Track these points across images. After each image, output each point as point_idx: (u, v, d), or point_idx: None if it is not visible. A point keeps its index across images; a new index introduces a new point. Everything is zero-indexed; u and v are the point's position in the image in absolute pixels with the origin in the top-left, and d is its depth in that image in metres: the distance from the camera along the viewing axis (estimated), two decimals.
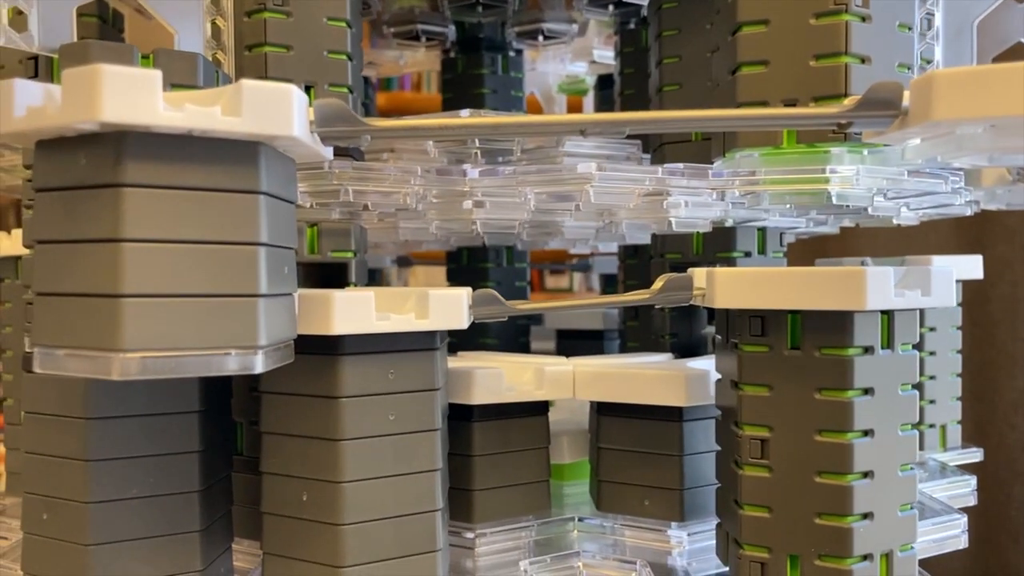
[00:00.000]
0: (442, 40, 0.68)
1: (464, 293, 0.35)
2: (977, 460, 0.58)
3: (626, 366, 0.44)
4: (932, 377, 0.57)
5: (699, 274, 0.38)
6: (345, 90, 0.40)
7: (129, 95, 0.25)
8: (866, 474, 0.34)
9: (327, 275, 0.44)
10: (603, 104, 0.79)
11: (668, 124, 0.29)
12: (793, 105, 0.36)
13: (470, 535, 0.41)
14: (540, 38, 0.67)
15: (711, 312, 0.55)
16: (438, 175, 0.36)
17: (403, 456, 0.35)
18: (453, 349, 0.50)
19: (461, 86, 0.69)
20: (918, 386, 0.36)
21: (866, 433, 0.34)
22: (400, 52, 0.70)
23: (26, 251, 0.54)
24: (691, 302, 0.38)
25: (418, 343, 0.35)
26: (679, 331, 0.53)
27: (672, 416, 0.42)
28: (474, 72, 0.69)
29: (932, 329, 0.57)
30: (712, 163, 0.40)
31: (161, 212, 0.26)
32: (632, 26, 0.61)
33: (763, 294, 0.34)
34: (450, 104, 0.69)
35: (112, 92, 0.25)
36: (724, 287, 0.35)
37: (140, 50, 0.36)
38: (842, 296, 0.33)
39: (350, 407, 0.34)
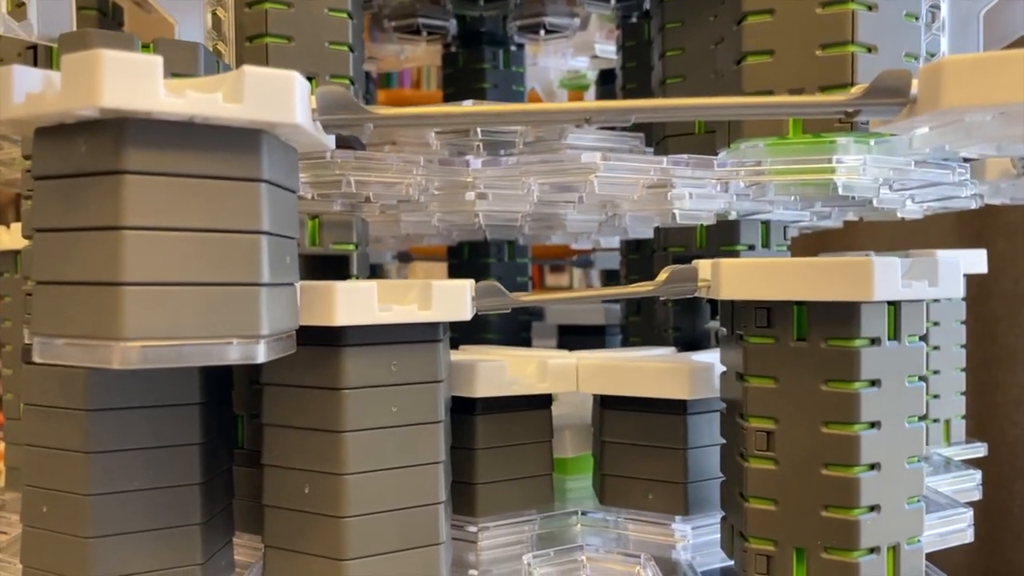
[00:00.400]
0: (443, 34, 0.67)
1: (467, 284, 0.35)
2: (981, 455, 0.58)
3: (630, 359, 0.43)
4: (936, 372, 0.57)
5: (704, 266, 0.37)
6: (346, 81, 0.40)
7: (130, 81, 0.25)
8: (873, 466, 0.34)
9: (328, 268, 0.44)
10: (605, 99, 0.78)
11: (674, 112, 0.29)
12: (799, 94, 0.35)
13: (473, 529, 0.41)
14: (542, 32, 0.66)
15: (714, 306, 0.55)
16: (440, 165, 0.36)
17: (405, 448, 0.35)
18: (454, 344, 0.50)
19: (462, 81, 0.69)
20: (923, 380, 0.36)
21: (873, 425, 0.34)
22: (401, 46, 0.70)
23: (25, 244, 0.54)
24: (696, 294, 0.37)
25: (421, 335, 0.35)
26: (682, 325, 0.53)
27: (676, 409, 0.42)
28: (475, 66, 0.68)
29: (936, 324, 0.57)
30: (716, 155, 0.40)
31: (162, 199, 0.26)
32: (634, 20, 0.61)
33: (769, 285, 0.34)
34: (451, 99, 0.69)
35: (112, 77, 0.24)
36: (730, 278, 0.35)
37: (140, 40, 0.35)
38: (849, 287, 0.33)
39: (352, 399, 0.34)
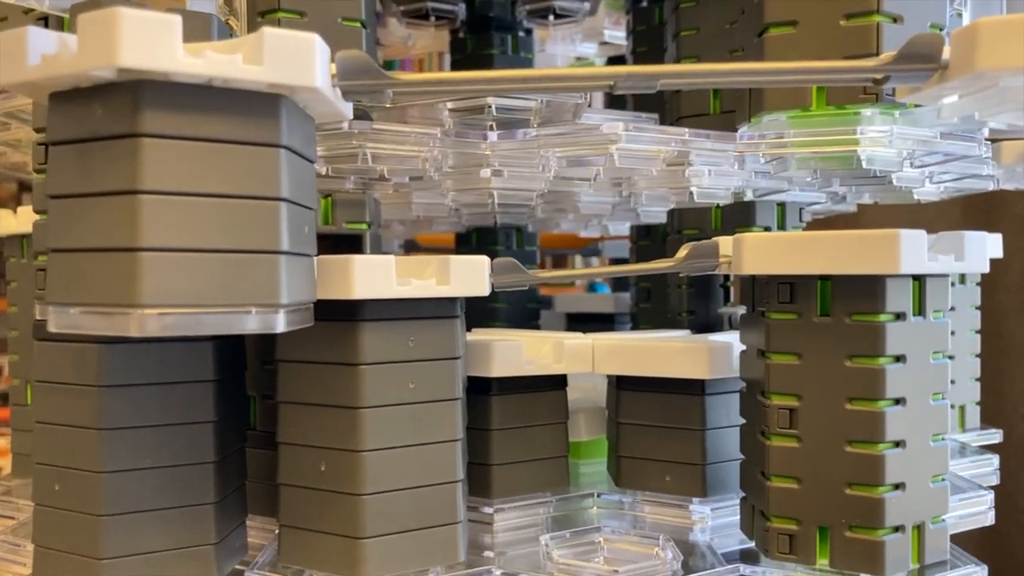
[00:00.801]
0: (452, 19, 0.67)
1: (485, 260, 0.35)
2: (996, 441, 0.58)
3: (646, 340, 0.43)
4: (951, 357, 0.56)
5: (725, 242, 0.37)
6: None
7: (148, 40, 0.24)
8: (898, 443, 0.33)
9: (341, 247, 0.43)
10: None
11: (702, 77, 0.28)
12: None
13: (488, 510, 0.40)
14: (551, 17, 0.66)
15: (727, 292, 0.54)
16: (457, 138, 0.35)
17: (423, 425, 0.34)
18: None
19: (470, 67, 0.68)
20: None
21: (898, 401, 0.33)
22: (408, 32, 0.70)
23: (35, 220, 0.54)
24: (717, 271, 0.37)
25: (438, 310, 0.35)
26: (697, 309, 0.52)
27: (694, 389, 0.41)
28: (483, 52, 0.68)
29: (951, 308, 0.56)
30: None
31: (180, 164, 0.26)
32: (644, 3, 0.61)
33: (793, 259, 0.33)
34: None
35: (130, 36, 0.24)
36: (752, 253, 0.34)
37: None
38: (875, 259, 0.32)
39: (370, 374, 0.33)
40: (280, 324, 0.27)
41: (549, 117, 0.38)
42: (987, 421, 0.59)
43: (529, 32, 0.68)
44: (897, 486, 0.33)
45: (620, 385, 0.44)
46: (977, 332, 0.58)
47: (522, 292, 0.69)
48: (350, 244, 0.43)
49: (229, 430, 0.36)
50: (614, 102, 0.74)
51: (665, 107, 0.50)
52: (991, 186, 0.49)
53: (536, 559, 0.36)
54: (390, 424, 0.33)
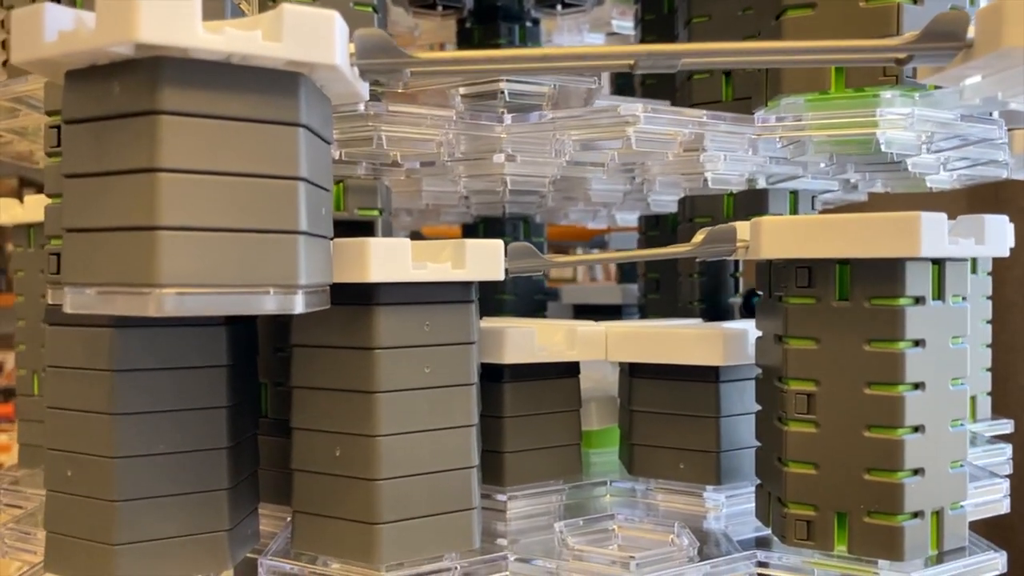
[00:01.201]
0: (459, 9, 0.66)
1: (500, 243, 0.34)
2: (1008, 431, 0.57)
3: (660, 327, 0.43)
4: None
5: (742, 227, 0.36)
6: None
7: (167, 15, 0.24)
8: (917, 428, 0.33)
9: (352, 233, 0.43)
10: (621, 77, 0.77)
11: (724, 55, 0.28)
12: None
13: (502, 498, 0.40)
14: (558, 6, 0.65)
15: (736, 283, 0.54)
16: (471, 120, 0.35)
17: (439, 410, 0.34)
18: None
19: None
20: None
21: (917, 386, 0.33)
22: (415, 22, 0.69)
23: (37, 219, 0.53)
24: (734, 255, 0.37)
25: (454, 295, 0.34)
26: (707, 298, 0.52)
27: (708, 377, 0.41)
28: (491, 43, 0.67)
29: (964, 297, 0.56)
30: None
31: (198, 142, 0.25)
32: None
33: (812, 242, 0.33)
34: None
35: (149, 11, 0.24)
36: (770, 236, 0.34)
37: None
38: (895, 242, 0.32)
39: (385, 358, 0.33)
40: (298, 305, 0.27)
41: (561, 103, 0.38)
42: (993, 415, 0.59)
43: (536, 22, 0.68)
44: (916, 471, 0.33)
45: (633, 372, 0.43)
46: (988, 322, 0.58)
47: (529, 283, 0.68)
48: (361, 230, 0.43)
49: (242, 416, 0.35)
50: (621, 92, 0.74)
51: (676, 95, 0.50)
52: (1004, 174, 0.48)
53: (550, 546, 0.36)
54: (405, 409, 0.33)
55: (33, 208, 0.54)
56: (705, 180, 0.41)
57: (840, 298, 0.34)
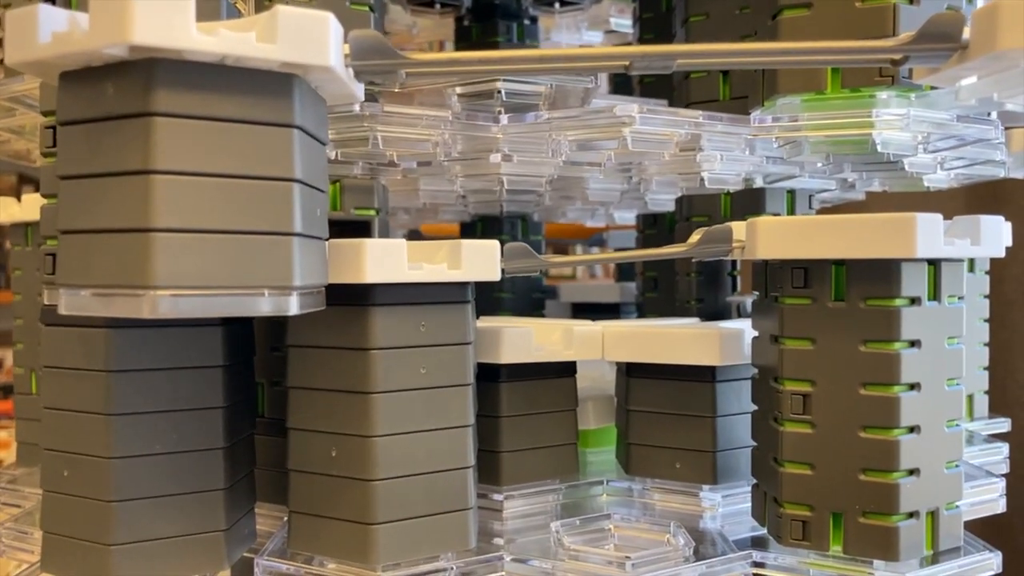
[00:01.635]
0: (457, 6, 0.66)
1: (496, 244, 0.34)
2: (1004, 430, 0.57)
3: (656, 327, 0.43)
4: None
5: (738, 227, 0.36)
6: None
7: (161, 17, 0.24)
8: (912, 429, 0.33)
9: (349, 233, 0.43)
10: (619, 76, 0.77)
11: (720, 56, 0.28)
12: None
13: (498, 497, 0.40)
14: (556, 4, 0.65)
15: (734, 281, 0.54)
16: (467, 121, 0.35)
17: (435, 411, 0.34)
18: None
19: None
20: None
21: (913, 387, 0.33)
22: (413, 20, 0.69)
23: (35, 217, 0.53)
24: (730, 256, 0.37)
25: (450, 295, 0.34)
26: (706, 297, 0.52)
27: (705, 377, 0.41)
28: (489, 41, 0.67)
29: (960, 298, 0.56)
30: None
31: (193, 143, 0.25)
32: None
33: (808, 243, 0.33)
34: None
35: (143, 13, 0.24)
36: (766, 237, 0.34)
37: None
38: (891, 243, 0.32)
39: (381, 359, 0.33)
40: (293, 307, 0.27)
41: (558, 102, 0.38)
42: (989, 413, 0.59)
43: (534, 20, 0.68)
44: (912, 472, 0.33)
45: (630, 372, 0.43)
46: (986, 321, 0.58)
47: (527, 282, 0.68)
48: (358, 230, 0.43)
49: (238, 416, 0.35)
50: (619, 90, 0.74)
51: (673, 94, 0.50)
52: (1001, 173, 0.48)
53: (547, 545, 0.36)
54: (401, 409, 0.33)
55: (30, 207, 0.54)
56: (702, 180, 0.41)
57: (836, 299, 0.34)
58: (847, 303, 0.33)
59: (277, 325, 0.40)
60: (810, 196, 0.49)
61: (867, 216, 0.32)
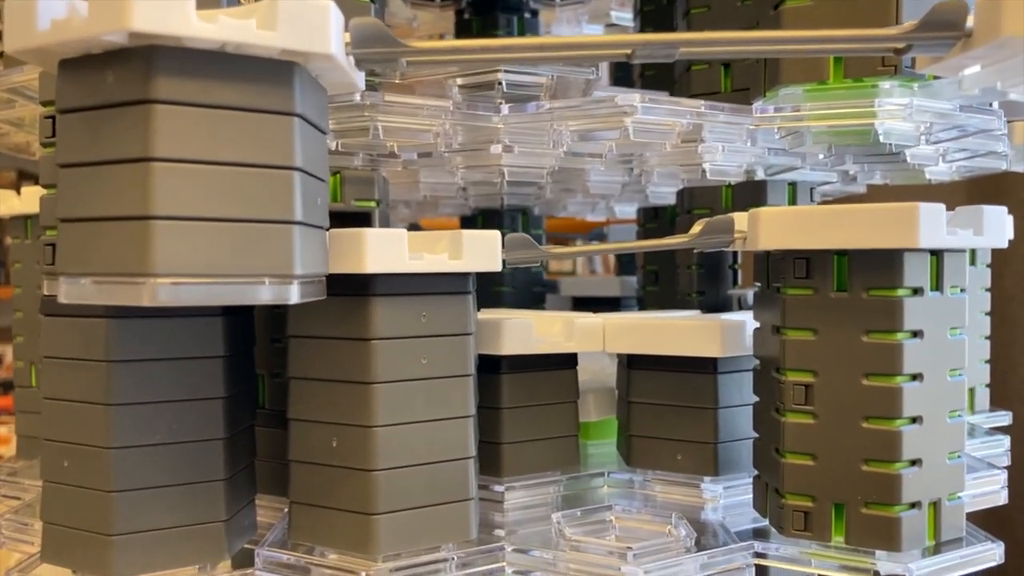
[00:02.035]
0: (457, 0, 0.66)
1: (497, 234, 0.34)
2: (1005, 424, 0.57)
3: (658, 318, 0.43)
4: None
5: (740, 217, 0.36)
6: None
7: (160, 4, 0.24)
8: (915, 419, 0.33)
9: (350, 224, 0.43)
10: (620, 68, 0.77)
11: (723, 44, 0.28)
12: None
13: (499, 488, 0.40)
14: None
15: (735, 274, 0.54)
16: (468, 110, 0.35)
17: (436, 401, 0.34)
18: None
19: None
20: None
21: (915, 377, 0.33)
22: (413, 13, 0.69)
23: (34, 210, 0.53)
24: (731, 247, 0.36)
25: (451, 286, 0.34)
26: (707, 289, 0.52)
27: (706, 368, 0.41)
28: (489, 34, 0.67)
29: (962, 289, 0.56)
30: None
31: (192, 131, 0.25)
32: None
33: (810, 233, 0.33)
34: None
35: (142, 0, 0.23)
36: (768, 227, 0.34)
37: None
38: (893, 233, 0.32)
39: (382, 349, 0.33)
40: (294, 295, 0.27)
41: (559, 93, 0.38)
42: (992, 407, 0.59)
43: (535, 14, 0.68)
44: (914, 462, 0.33)
45: (631, 364, 0.43)
46: (987, 314, 0.57)
47: (527, 276, 0.68)
48: (359, 222, 0.42)
49: (239, 407, 0.35)
50: (620, 83, 0.73)
51: (674, 87, 0.49)
52: (1003, 166, 0.48)
53: (548, 536, 0.36)
54: (402, 400, 0.33)
55: (30, 199, 0.54)
56: (703, 171, 0.41)
57: (838, 289, 0.34)
58: (849, 293, 0.33)
59: (277, 316, 0.39)
60: (811, 188, 0.49)
61: (870, 206, 0.32)
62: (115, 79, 0.25)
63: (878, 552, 0.33)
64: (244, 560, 0.35)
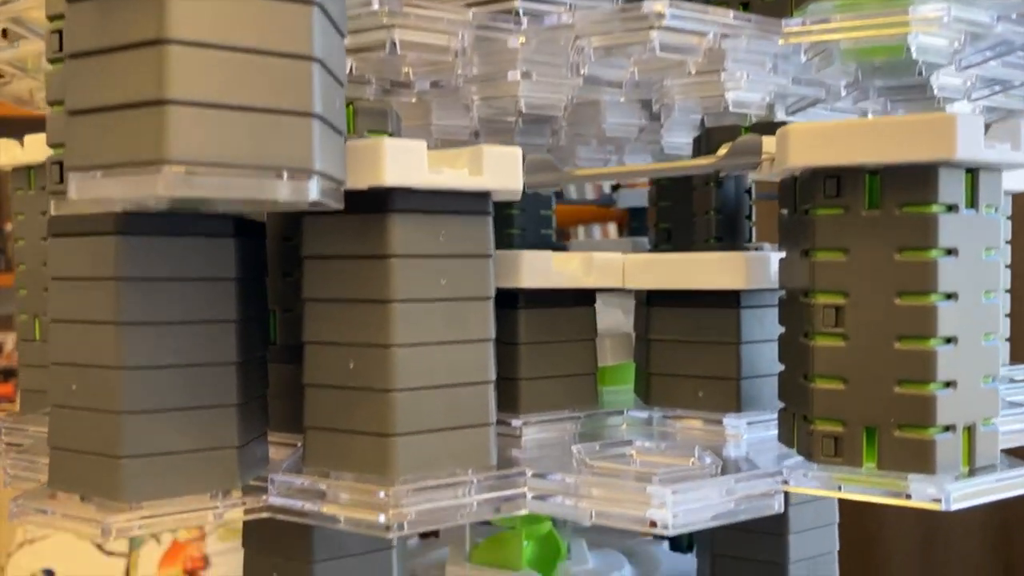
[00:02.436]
0: None
1: (518, 150, 0.33)
2: None
3: (679, 255, 0.42)
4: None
5: (768, 140, 0.35)
6: None
7: None
8: (949, 340, 0.32)
9: None
10: None
11: None
12: None
13: (516, 423, 0.39)
14: None
15: (751, 232, 0.53)
16: (487, 24, 0.34)
17: (455, 323, 0.33)
18: None
19: None
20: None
21: (949, 296, 0.32)
22: None
23: (37, 160, 0.52)
24: (759, 171, 0.35)
25: (471, 206, 0.33)
26: (724, 236, 0.51)
27: (729, 302, 0.40)
28: None
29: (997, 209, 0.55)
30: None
31: (209, 13, 0.24)
32: None
33: (841, 148, 0.32)
34: None
35: None
36: (798, 143, 0.33)
37: None
38: (929, 145, 0.31)
39: (400, 267, 0.32)
40: (312, 191, 0.26)
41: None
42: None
43: None
44: (948, 384, 0.32)
45: (650, 301, 0.42)
46: (1007, 267, 0.56)
47: (536, 236, 0.67)
48: None
49: (251, 334, 0.34)
50: None
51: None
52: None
53: (569, 466, 0.35)
54: (421, 320, 0.32)
55: (33, 149, 0.53)
56: (725, 105, 0.40)
57: (870, 207, 0.33)
58: (882, 211, 0.32)
59: (291, 249, 0.39)
60: None
61: (904, 117, 0.31)
62: None
63: (910, 477, 0.32)
64: (257, 492, 0.34)
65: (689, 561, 0.56)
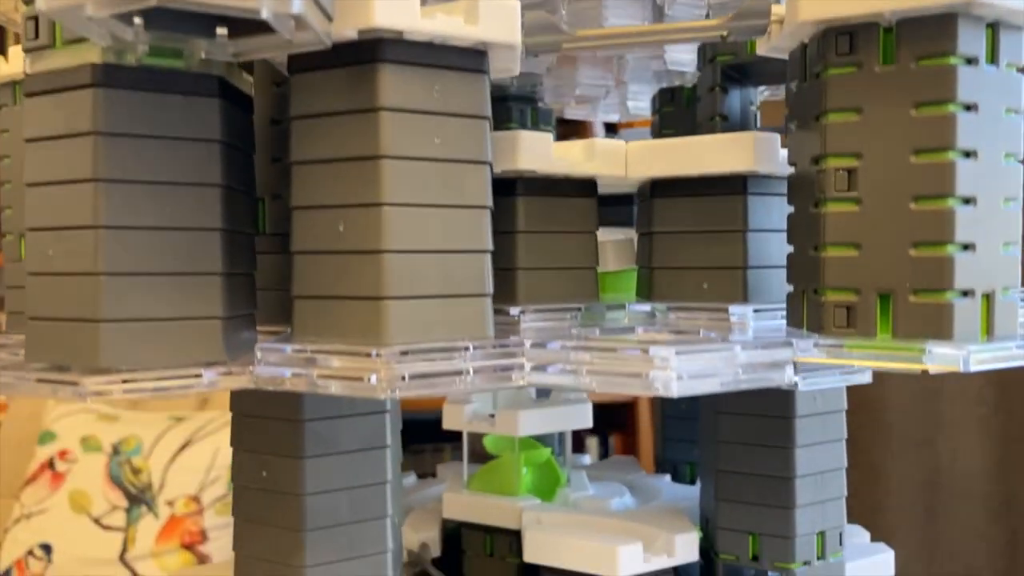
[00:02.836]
0: None
1: (517, 3, 0.32)
2: None
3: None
4: None
5: (776, 8, 0.34)
6: None
7: None
8: (967, 200, 0.31)
9: None
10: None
11: None
12: None
13: (515, 311, 0.38)
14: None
15: None
16: None
17: (451, 186, 0.31)
18: None
19: None
20: None
21: (968, 155, 0.31)
22: None
23: (22, 74, 0.51)
24: (767, 36, 0.34)
25: (466, 62, 0.32)
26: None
27: (736, 188, 0.38)
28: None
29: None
30: None
31: None
32: None
33: None
34: None
35: None
36: None
37: None
38: None
39: (391, 120, 0.30)
40: (296, 3, 0.24)
41: None
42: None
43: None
44: (966, 247, 0.31)
45: (654, 192, 0.41)
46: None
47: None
48: None
49: (237, 203, 0.33)
50: None
51: None
52: None
53: (569, 339, 0.33)
54: (414, 179, 0.31)
55: (18, 62, 0.51)
56: None
57: (885, 62, 0.31)
58: (897, 66, 0.31)
59: (279, 133, 0.37)
60: None
61: None
62: None
63: (928, 342, 0.31)
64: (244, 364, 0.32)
65: (692, 491, 0.55)
